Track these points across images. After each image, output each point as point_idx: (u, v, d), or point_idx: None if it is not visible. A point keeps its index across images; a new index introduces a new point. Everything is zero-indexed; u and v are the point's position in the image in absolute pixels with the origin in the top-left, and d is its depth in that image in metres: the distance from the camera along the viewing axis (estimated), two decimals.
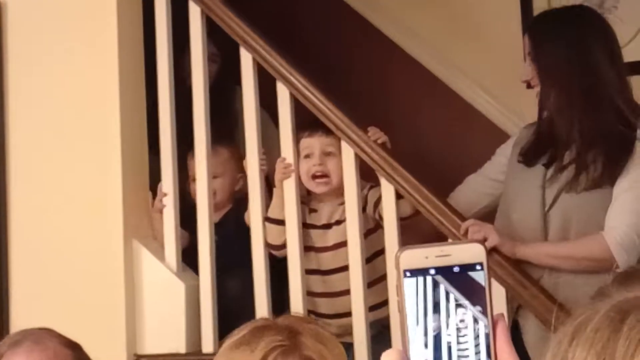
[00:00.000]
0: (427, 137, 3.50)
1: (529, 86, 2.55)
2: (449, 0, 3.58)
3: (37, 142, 2.70)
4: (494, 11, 3.45)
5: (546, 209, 2.39)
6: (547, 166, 2.41)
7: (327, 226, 2.60)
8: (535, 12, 3.35)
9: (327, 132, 2.54)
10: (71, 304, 2.60)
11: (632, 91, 2.42)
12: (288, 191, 2.56)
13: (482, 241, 2.24)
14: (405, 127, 3.21)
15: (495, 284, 2.34)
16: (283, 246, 2.57)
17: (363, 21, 3.66)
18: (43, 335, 1.82)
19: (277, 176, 2.58)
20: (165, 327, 2.57)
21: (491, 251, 2.31)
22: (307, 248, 2.61)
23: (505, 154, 2.59)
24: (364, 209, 2.54)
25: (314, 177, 2.56)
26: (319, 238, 2.62)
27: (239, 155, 2.78)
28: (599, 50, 2.39)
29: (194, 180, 2.72)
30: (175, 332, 2.57)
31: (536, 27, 2.52)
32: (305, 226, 2.61)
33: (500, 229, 2.41)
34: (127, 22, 2.68)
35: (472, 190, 2.64)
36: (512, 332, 2.31)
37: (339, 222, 2.59)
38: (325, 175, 2.55)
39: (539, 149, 2.44)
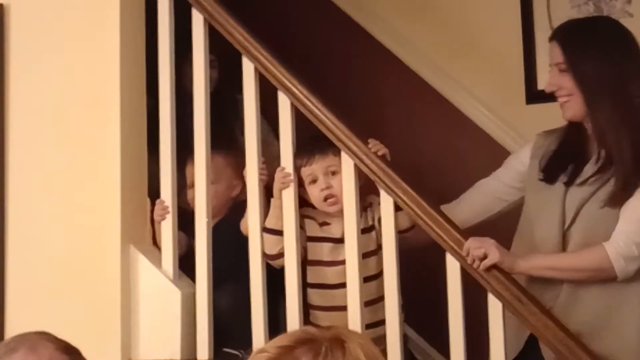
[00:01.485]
0: (424, 149, 3.50)
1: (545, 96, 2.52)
2: (448, 12, 3.59)
3: (36, 146, 2.69)
4: (494, 23, 3.46)
5: (565, 227, 2.40)
6: (567, 184, 2.41)
7: (340, 241, 2.58)
8: (536, 25, 3.37)
9: (322, 152, 2.56)
10: (67, 308, 2.59)
11: None
12: (287, 201, 2.56)
13: (483, 257, 2.28)
14: (401, 139, 3.21)
15: (491, 299, 2.34)
16: (279, 256, 2.56)
17: (361, 32, 3.67)
18: (38, 342, 1.80)
19: (276, 185, 2.58)
20: (161, 334, 2.57)
21: (491, 268, 2.32)
22: (315, 262, 2.61)
23: (521, 161, 2.58)
24: (372, 227, 2.58)
25: (325, 199, 2.58)
26: (330, 252, 2.62)
27: (236, 162, 2.78)
28: (636, 70, 2.39)
29: (191, 186, 2.72)
30: (171, 339, 2.56)
31: (571, 36, 2.45)
32: (316, 239, 2.62)
33: (521, 246, 2.43)
34: (130, 27, 2.68)
35: (488, 194, 2.63)
36: (530, 351, 2.35)
37: None
38: (333, 195, 2.56)
39: (560, 163, 2.44)
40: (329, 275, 2.60)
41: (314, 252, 2.62)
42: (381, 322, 2.48)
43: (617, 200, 2.32)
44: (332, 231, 2.63)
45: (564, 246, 2.39)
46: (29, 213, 2.68)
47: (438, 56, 3.55)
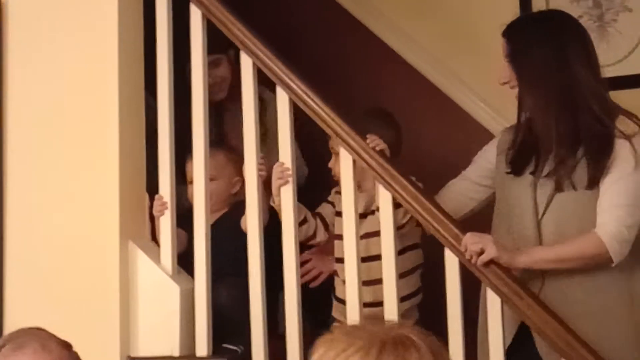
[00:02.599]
0: (425, 146, 3.50)
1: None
2: (450, 9, 3.59)
3: (35, 143, 2.69)
4: (495, 21, 3.43)
5: (539, 217, 2.42)
6: (534, 174, 2.45)
7: (363, 215, 2.62)
8: None
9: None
10: (66, 304, 2.59)
11: (608, 93, 2.47)
12: (286, 198, 2.56)
13: (480, 253, 2.28)
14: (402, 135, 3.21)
15: (490, 294, 2.34)
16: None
17: (361, 28, 3.67)
18: (46, 338, 1.81)
19: (275, 182, 2.58)
20: (160, 330, 2.57)
21: (489, 263, 2.32)
22: (339, 236, 2.62)
23: (488, 158, 2.63)
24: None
25: None
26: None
27: (237, 158, 2.78)
28: (575, 54, 2.43)
29: (191, 182, 2.72)
30: (169, 335, 2.56)
31: (513, 30, 2.54)
32: (339, 214, 2.64)
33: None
34: (128, 24, 2.68)
35: (459, 194, 2.66)
36: (525, 340, 2.36)
37: (373, 212, 2.62)
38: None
39: (524, 156, 2.47)
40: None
41: (338, 227, 2.67)
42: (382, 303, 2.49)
43: (562, 189, 2.39)
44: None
45: (539, 236, 2.42)
46: (28, 209, 2.68)
47: (438, 52, 3.55)
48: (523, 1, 3.40)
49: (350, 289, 2.48)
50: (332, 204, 2.80)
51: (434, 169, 3.33)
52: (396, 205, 2.46)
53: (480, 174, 2.64)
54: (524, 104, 2.47)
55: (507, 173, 2.49)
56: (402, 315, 2.54)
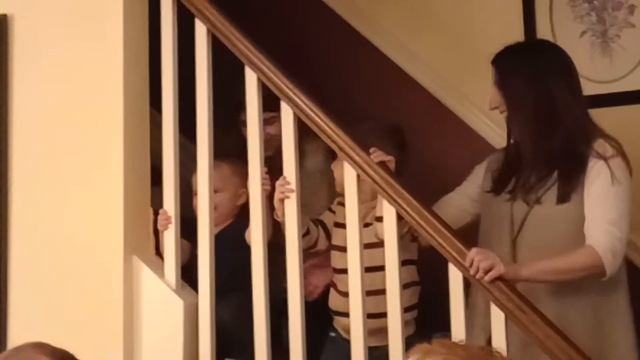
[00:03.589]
0: (428, 160, 3.50)
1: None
2: (453, 25, 3.60)
3: (39, 156, 2.70)
4: (498, 37, 3.46)
5: (514, 234, 2.57)
6: (511, 192, 2.60)
7: (364, 226, 2.63)
8: (539, 36, 3.39)
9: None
10: (69, 318, 2.59)
11: (588, 116, 2.61)
12: (289, 212, 2.57)
13: (489, 270, 2.29)
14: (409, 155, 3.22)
15: (494, 309, 2.34)
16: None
17: (367, 44, 3.68)
18: (33, 357, 1.78)
19: (277, 195, 2.59)
20: (163, 344, 2.57)
21: (495, 280, 2.33)
22: (337, 247, 2.74)
23: (478, 175, 2.78)
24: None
25: None
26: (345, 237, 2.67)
27: (242, 170, 2.78)
28: (554, 80, 2.58)
29: (196, 194, 2.72)
30: (173, 350, 2.56)
31: (501, 58, 2.68)
32: (338, 225, 2.75)
33: None
34: (133, 38, 2.69)
35: (455, 207, 2.78)
36: None
37: (367, 225, 2.64)
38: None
39: (506, 176, 2.65)
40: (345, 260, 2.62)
41: (340, 238, 2.70)
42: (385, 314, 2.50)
43: (563, 199, 2.52)
44: None
45: (514, 252, 2.55)
46: (32, 223, 2.68)
47: (441, 67, 3.56)
48: (526, 18, 3.41)
49: (353, 301, 2.48)
50: (334, 212, 2.83)
51: (437, 183, 3.32)
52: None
53: (473, 189, 2.77)
54: (512, 127, 2.65)
55: (486, 192, 2.67)
56: (377, 332, 2.57)
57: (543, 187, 2.55)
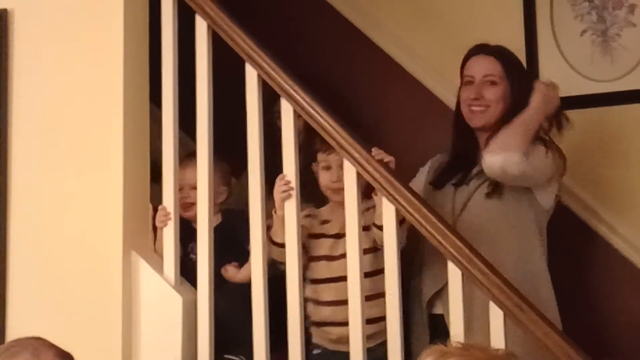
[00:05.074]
0: (426, 157, 3.50)
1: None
2: (451, 20, 3.59)
3: (38, 151, 2.69)
4: (496, 33, 3.45)
5: (455, 218, 2.71)
6: (456, 185, 2.78)
7: (338, 236, 2.67)
8: (540, 35, 3.38)
9: None
10: (68, 313, 2.59)
11: None
12: (289, 214, 2.57)
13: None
14: (403, 146, 3.21)
15: (493, 307, 2.34)
16: None
17: (366, 41, 3.67)
18: (40, 347, 1.81)
19: (277, 195, 2.58)
20: (162, 340, 2.57)
21: (482, 263, 2.35)
22: (319, 257, 2.71)
23: (421, 178, 2.91)
24: (368, 227, 2.61)
25: (332, 189, 2.71)
26: (329, 247, 2.71)
27: (223, 167, 2.82)
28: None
29: (180, 189, 2.72)
30: (172, 346, 2.56)
31: (506, 55, 2.85)
32: (316, 236, 2.72)
33: None
34: (133, 32, 2.69)
35: None
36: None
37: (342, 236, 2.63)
38: (341, 188, 2.61)
39: (451, 171, 2.82)
40: (333, 268, 2.67)
41: (318, 248, 2.71)
42: (375, 319, 2.53)
43: (494, 191, 2.70)
44: (330, 228, 2.73)
45: None
46: (31, 219, 2.67)
47: (441, 64, 3.55)
48: (527, 16, 3.41)
49: (352, 307, 2.47)
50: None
51: None
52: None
53: (418, 190, 2.78)
54: (505, 119, 2.74)
55: (430, 184, 2.84)
56: (371, 336, 2.56)
57: (482, 178, 2.73)
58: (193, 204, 2.70)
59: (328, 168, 2.71)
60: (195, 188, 2.69)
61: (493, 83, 2.79)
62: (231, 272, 2.77)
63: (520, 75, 2.83)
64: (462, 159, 2.83)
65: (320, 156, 2.72)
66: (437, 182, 2.83)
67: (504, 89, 2.78)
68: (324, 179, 2.73)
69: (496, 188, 2.70)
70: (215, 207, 2.85)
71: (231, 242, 2.73)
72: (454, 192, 2.77)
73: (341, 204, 2.61)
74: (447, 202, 2.75)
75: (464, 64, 2.88)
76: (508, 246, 2.69)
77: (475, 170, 2.77)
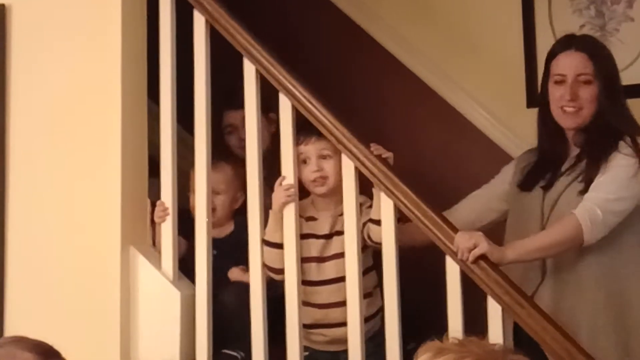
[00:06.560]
0: (424, 152, 3.50)
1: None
2: (449, 14, 3.59)
3: (37, 147, 2.69)
4: (494, 26, 3.47)
5: (544, 222, 2.54)
6: (545, 188, 2.59)
7: (329, 236, 2.64)
8: (538, 30, 3.38)
9: (320, 135, 2.58)
10: (67, 309, 2.59)
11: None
12: (288, 216, 2.56)
13: (472, 248, 2.29)
14: (401, 142, 3.22)
15: (491, 302, 2.34)
16: (283, 270, 2.56)
17: (363, 34, 3.67)
18: (14, 351, 1.74)
19: (279, 199, 2.57)
20: (160, 336, 2.56)
21: (481, 259, 2.34)
22: (309, 259, 2.65)
23: (504, 179, 2.76)
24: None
25: (314, 180, 2.64)
26: (319, 248, 2.65)
27: (243, 173, 2.77)
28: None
29: (194, 192, 2.72)
30: (170, 341, 2.56)
31: (595, 49, 2.64)
32: (304, 237, 2.64)
33: None
34: (132, 28, 2.68)
35: (480, 204, 2.76)
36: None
37: (339, 233, 2.61)
38: (324, 177, 2.61)
39: (539, 172, 2.63)
40: (323, 270, 2.64)
41: (306, 250, 2.64)
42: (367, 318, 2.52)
43: (586, 188, 2.49)
44: (319, 227, 2.67)
45: None
46: (29, 214, 2.67)
47: (439, 59, 3.55)
48: (525, 10, 3.41)
49: (351, 307, 2.47)
50: None
51: (435, 176, 3.34)
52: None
53: (500, 189, 2.75)
54: (599, 118, 2.57)
55: (518, 186, 2.65)
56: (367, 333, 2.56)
57: (571, 177, 2.56)
58: (214, 210, 2.71)
59: (305, 161, 2.64)
60: (217, 193, 2.69)
61: (587, 82, 2.58)
62: (236, 274, 2.76)
63: (611, 72, 2.63)
64: (550, 159, 2.65)
65: (298, 149, 2.62)
66: (525, 184, 2.66)
67: (597, 88, 2.58)
68: (303, 173, 2.63)
69: (588, 183, 2.51)
70: (231, 212, 2.86)
71: (242, 252, 2.69)
72: (543, 195, 2.59)
73: (325, 197, 2.61)
74: (535, 206, 2.59)
75: (551, 60, 2.66)
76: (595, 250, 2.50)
77: (564, 167, 2.60)
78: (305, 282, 2.62)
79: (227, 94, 2.69)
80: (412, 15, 3.62)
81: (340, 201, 2.55)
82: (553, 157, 2.64)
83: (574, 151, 2.61)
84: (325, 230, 2.66)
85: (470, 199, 2.78)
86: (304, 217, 2.67)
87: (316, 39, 3.73)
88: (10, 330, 2.56)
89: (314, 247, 2.66)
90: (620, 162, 2.48)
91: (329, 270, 2.63)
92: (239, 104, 2.73)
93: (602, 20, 3.31)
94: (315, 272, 2.65)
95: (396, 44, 3.61)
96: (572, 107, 2.58)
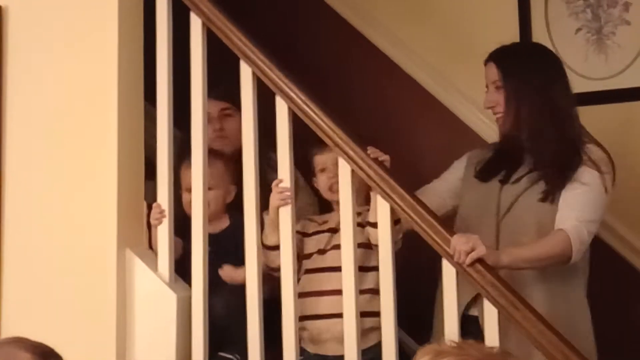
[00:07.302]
0: (422, 156, 3.50)
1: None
2: (448, 18, 3.59)
3: (34, 149, 2.69)
4: (491, 29, 3.47)
5: (500, 217, 2.63)
6: (502, 182, 2.68)
7: (334, 230, 2.68)
8: (534, 34, 3.39)
9: None
10: (62, 310, 2.59)
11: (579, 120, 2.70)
12: (284, 220, 2.56)
13: (469, 251, 2.29)
14: (400, 146, 3.22)
15: (487, 305, 2.34)
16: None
17: (360, 37, 3.67)
18: (14, 352, 1.75)
19: (274, 202, 2.58)
20: (156, 338, 2.56)
21: (477, 262, 2.35)
22: (311, 254, 2.71)
23: (456, 173, 2.84)
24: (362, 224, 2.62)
25: (330, 188, 2.69)
26: (324, 240, 2.71)
27: (233, 167, 2.78)
28: (558, 89, 2.68)
29: (187, 190, 2.72)
30: (166, 343, 2.55)
31: (504, 59, 2.74)
32: (311, 235, 2.74)
33: None
34: (128, 31, 2.68)
35: (437, 196, 2.80)
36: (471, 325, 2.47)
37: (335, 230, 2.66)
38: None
39: (496, 166, 2.72)
40: (327, 260, 2.67)
41: (313, 244, 2.71)
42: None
43: (548, 196, 2.58)
44: (328, 224, 2.74)
45: (497, 235, 2.61)
46: (26, 216, 2.67)
47: (437, 62, 3.56)
48: (522, 14, 3.41)
49: (347, 300, 2.48)
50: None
51: (431, 178, 3.33)
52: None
53: (452, 184, 2.82)
54: (519, 124, 2.66)
55: (475, 177, 2.74)
56: (367, 331, 2.57)
57: (531, 180, 2.63)
58: (207, 205, 2.70)
59: (323, 170, 2.70)
60: (210, 188, 2.69)
61: (498, 88, 2.71)
62: (227, 270, 2.76)
63: (521, 72, 2.70)
64: (506, 156, 2.73)
65: (317, 159, 2.71)
66: (483, 175, 2.74)
67: (506, 92, 2.68)
68: (322, 180, 2.71)
69: (552, 192, 2.59)
70: (225, 206, 2.86)
71: (238, 248, 2.68)
72: (500, 188, 2.67)
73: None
74: (492, 198, 2.67)
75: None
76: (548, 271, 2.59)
77: (523, 171, 2.66)
78: (308, 271, 2.69)
79: (209, 85, 2.67)
80: (411, 20, 3.63)
81: (358, 202, 2.58)
82: (508, 155, 2.71)
83: (529, 157, 2.67)
84: (331, 225, 2.71)
85: (425, 191, 2.81)
86: (318, 221, 2.77)
87: (313, 41, 3.73)
88: (6, 332, 2.55)
89: (319, 241, 2.72)
90: (595, 180, 2.57)
91: (329, 260, 2.65)
92: (219, 95, 2.78)
93: (598, 23, 3.31)
94: (317, 261, 2.69)
95: (395, 48, 3.61)
96: (496, 113, 2.73)
